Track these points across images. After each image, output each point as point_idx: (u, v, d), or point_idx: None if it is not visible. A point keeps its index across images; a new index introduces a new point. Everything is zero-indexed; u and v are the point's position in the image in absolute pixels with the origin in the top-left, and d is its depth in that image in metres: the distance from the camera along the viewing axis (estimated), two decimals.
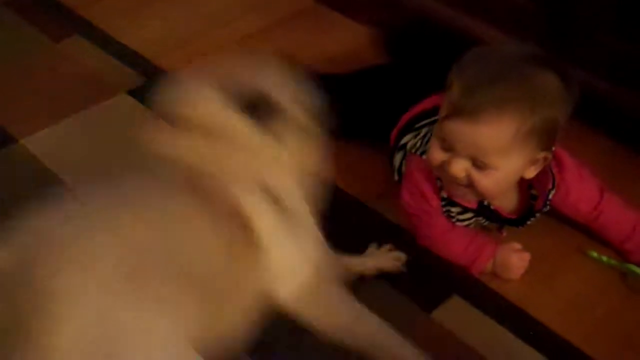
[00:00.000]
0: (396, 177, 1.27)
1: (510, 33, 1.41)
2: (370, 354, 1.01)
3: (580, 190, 1.15)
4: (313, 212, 1.04)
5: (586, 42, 1.32)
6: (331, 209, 1.27)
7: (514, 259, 1.17)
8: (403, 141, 1.25)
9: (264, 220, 0.96)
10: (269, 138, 0.99)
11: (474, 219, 1.18)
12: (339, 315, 1.03)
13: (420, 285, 1.17)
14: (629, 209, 1.20)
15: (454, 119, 1.02)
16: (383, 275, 1.17)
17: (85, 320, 0.79)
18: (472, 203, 1.14)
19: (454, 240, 1.18)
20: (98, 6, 1.81)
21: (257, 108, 0.98)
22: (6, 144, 1.43)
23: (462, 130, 1.02)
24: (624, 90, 1.31)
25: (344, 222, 1.26)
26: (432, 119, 1.21)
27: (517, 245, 1.18)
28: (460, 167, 1.05)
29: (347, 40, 1.69)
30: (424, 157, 1.15)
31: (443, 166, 1.07)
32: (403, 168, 1.23)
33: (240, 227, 0.94)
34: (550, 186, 1.12)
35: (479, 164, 1.04)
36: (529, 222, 1.18)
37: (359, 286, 1.15)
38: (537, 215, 1.16)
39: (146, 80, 1.58)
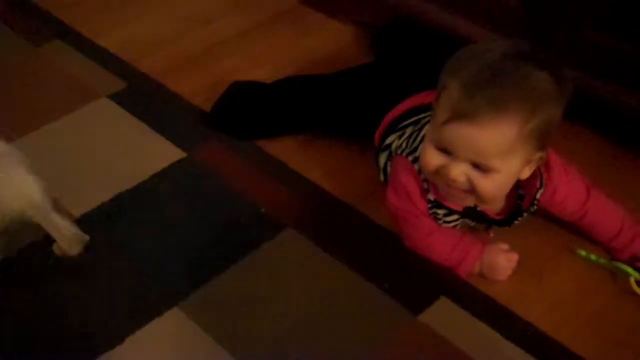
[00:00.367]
0: (382, 178, 1.26)
1: (495, 31, 1.40)
2: None
3: (567, 189, 1.14)
4: None
5: (572, 39, 1.32)
6: (316, 211, 1.28)
7: (501, 260, 1.16)
8: (387, 141, 1.24)
9: None
10: None
11: (460, 220, 1.17)
12: None
13: (407, 287, 1.15)
14: (616, 206, 1.19)
15: (454, 122, 1.00)
16: (369, 277, 1.16)
17: None
18: (458, 205, 1.13)
19: (440, 242, 1.17)
20: (78, 9, 1.79)
21: None
22: None
23: (464, 134, 1.00)
24: (612, 87, 1.31)
25: (329, 224, 1.26)
26: (416, 118, 1.21)
27: (505, 246, 1.17)
28: (460, 171, 1.03)
29: (331, 41, 1.68)
30: (409, 158, 1.14)
31: (440, 171, 1.05)
32: (388, 168, 1.22)
33: None
34: (538, 186, 1.11)
35: (480, 167, 1.02)
36: (516, 222, 1.16)
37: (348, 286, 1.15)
38: (525, 215, 1.15)
39: (127, 83, 1.56)
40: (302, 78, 1.49)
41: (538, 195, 1.12)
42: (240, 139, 1.43)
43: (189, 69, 1.60)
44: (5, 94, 1.56)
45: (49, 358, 1.08)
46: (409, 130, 1.20)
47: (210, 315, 1.12)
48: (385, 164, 1.23)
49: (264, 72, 1.54)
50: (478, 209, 1.14)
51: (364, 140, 1.32)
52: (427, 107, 1.14)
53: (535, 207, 1.15)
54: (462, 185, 1.05)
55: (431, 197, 1.13)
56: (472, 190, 1.05)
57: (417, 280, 1.17)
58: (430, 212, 1.14)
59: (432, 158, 1.05)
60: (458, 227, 1.19)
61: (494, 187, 1.04)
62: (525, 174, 1.07)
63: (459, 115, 0.99)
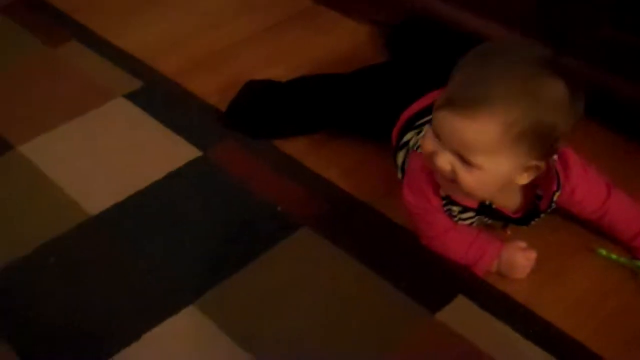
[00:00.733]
0: (400, 176, 1.25)
1: (511, 29, 1.39)
2: None
3: (586, 189, 1.13)
4: None
5: (589, 36, 1.30)
6: (333, 210, 1.28)
7: (519, 258, 1.14)
8: (405, 139, 1.23)
9: None
10: None
11: (476, 218, 1.16)
12: None
13: (424, 286, 1.15)
14: (637, 205, 1.17)
15: (443, 109, 1.00)
16: (386, 276, 1.15)
17: None
18: (472, 202, 1.12)
19: (457, 239, 1.16)
20: (94, 10, 1.80)
21: None
22: (3, 151, 1.42)
23: (450, 123, 0.99)
24: (630, 84, 1.29)
25: (345, 222, 1.25)
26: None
27: (523, 244, 1.15)
28: (445, 160, 1.02)
29: (346, 40, 1.67)
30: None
31: (432, 157, 1.05)
32: (406, 166, 1.21)
33: None
34: (555, 188, 1.10)
35: (465, 160, 1.01)
36: (533, 223, 1.15)
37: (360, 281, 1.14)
38: (542, 215, 1.14)
39: (143, 83, 1.56)
40: (317, 77, 1.48)
41: (555, 198, 1.11)
42: (256, 138, 1.42)
43: (205, 69, 1.60)
44: (23, 94, 1.57)
45: (64, 355, 1.08)
46: (425, 128, 1.19)
47: (226, 313, 1.12)
48: (403, 161, 1.23)
49: (279, 72, 1.54)
50: (494, 206, 1.13)
51: (380, 139, 1.31)
52: None
53: (554, 206, 1.14)
54: (447, 174, 1.04)
55: (442, 192, 1.12)
56: (455, 181, 1.04)
57: (435, 279, 1.16)
58: (445, 208, 1.14)
59: (428, 144, 1.04)
60: (475, 224, 1.18)
61: (476, 182, 1.02)
62: (523, 180, 1.05)
63: (449, 103, 0.99)
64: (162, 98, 1.54)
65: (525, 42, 1.06)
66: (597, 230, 1.19)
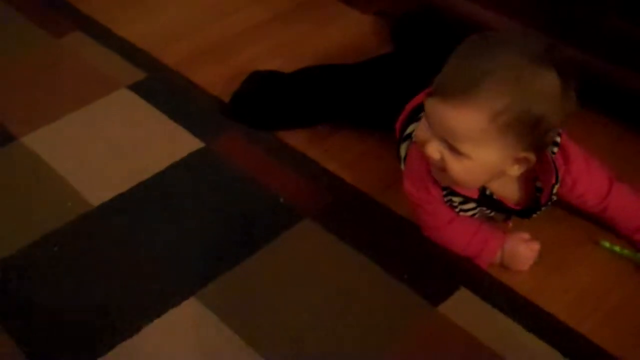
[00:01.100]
0: (402, 167, 1.24)
1: (517, 19, 1.38)
2: None
3: (588, 182, 1.12)
4: None
5: (596, 26, 1.29)
6: (335, 201, 1.27)
7: (522, 250, 1.14)
8: (408, 130, 1.22)
9: None
10: None
11: (478, 209, 1.15)
12: None
13: (427, 278, 1.14)
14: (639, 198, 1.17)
15: (433, 97, 0.99)
16: (388, 268, 1.15)
17: None
18: (473, 192, 1.12)
19: (459, 231, 1.15)
20: (98, 1, 1.80)
21: None
22: (6, 142, 1.42)
23: (437, 110, 0.99)
24: (632, 75, 1.28)
25: (348, 214, 1.25)
26: None
27: (526, 235, 1.15)
28: (435, 148, 1.02)
29: (351, 30, 1.67)
30: None
31: (423, 145, 1.04)
32: (407, 157, 1.21)
33: None
34: (553, 181, 1.09)
35: (453, 149, 1.01)
36: (535, 215, 1.14)
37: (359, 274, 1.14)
38: (543, 208, 1.13)
39: (147, 74, 1.56)
40: (322, 68, 1.48)
41: (555, 191, 1.10)
42: (259, 130, 1.42)
43: (209, 60, 1.60)
44: (27, 85, 1.57)
45: (65, 346, 1.08)
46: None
47: (227, 305, 1.12)
48: (407, 153, 1.22)
49: (283, 62, 1.53)
50: (494, 197, 1.12)
51: (383, 130, 1.31)
52: None
53: (555, 198, 1.13)
54: (437, 163, 1.03)
55: (438, 180, 1.11)
56: (444, 170, 1.03)
57: (437, 271, 1.16)
58: (446, 199, 1.13)
59: (421, 131, 1.04)
60: (476, 216, 1.17)
61: (464, 171, 1.02)
62: (514, 171, 1.04)
63: (438, 91, 0.98)
64: (165, 89, 1.53)
65: (520, 33, 1.05)
66: (600, 222, 1.19)
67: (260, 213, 1.26)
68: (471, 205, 1.14)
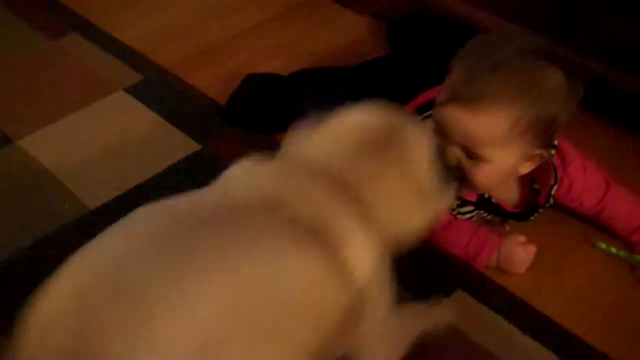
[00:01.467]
0: None
1: (514, 21, 1.38)
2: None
3: (585, 183, 1.13)
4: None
5: (591, 28, 1.30)
6: None
7: (519, 252, 1.14)
8: None
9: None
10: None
11: (475, 212, 1.16)
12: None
13: (424, 280, 1.14)
14: (636, 200, 1.17)
15: (450, 104, 0.99)
16: None
17: None
18: (471, 196, 1.12)
19: (456, 233, 1.16)
20: (95, 3, 1.80)
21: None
22: (3, 145, 1.42)
23: (457, 118, 0.99)
24: (629, 77, 1.29)
25: None
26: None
27: (522, 238, 1.15)
28: (452, 155, 1.02)
29: (347, 32, 1.67)
30: None
31: (437, 152, 1.04)
32: None
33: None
34: (552, 182, 1.09)
35: (472, 155, 1.01)
36: (532, 218, 1.15)
37: None
38: (541, 210, 1.14)
39: (143, 76, 1.56)
40: (318, 70, 1.48)
41: (553, 192, 1.10)
42: (256, 132, 1.42)
43: (205, 62, 1.60)
44: (23, 87, 1.56)
45: None
46: (428, 122, 1.18)
47: None
48: None
49: (279, 64, 1.53)
50: (493, 200, 1.12)
51: None
52: None
53: (552, 202, 1.14)
54: (452, 169, 1.03)
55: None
56: (463, 177, 1.04)
57: (434, 274, 1.16)
58: None
59: None
60: (474, 219, 1.18)
61: (485, 176, 1.03)
62: (525, 169, 1.05)
63: (455, 98, 0.99)
64: (162, 91, 1.53)
65: (518, 31, 1.06)
66: (596, 224, 1.19)
67: None
68: (469, 208, 1.14)
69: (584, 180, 1.12)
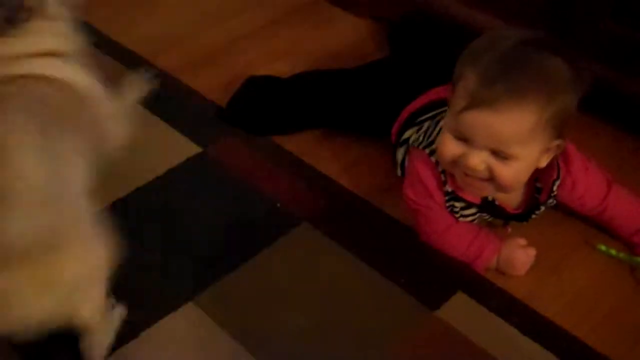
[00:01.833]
0: (399, 172, 1.25)
1: (514, 23, 1.38)
2: None
3: (587, 183, 1.13)
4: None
5: (591, 30, 1.30)
6: (332, 206, 1.28)
7: (519, 255, 1.14)
8: (405, 136, 1.23)
9: None
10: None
11: (477, 215, 1.16)
12: None
13: (424, 283, 1.15)
14: (637, 201, 1.17)
15: (473, 110, 0.99)
16: (385, 272, 1.16)
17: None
18: (475, 198, 1.12)
19: (457, 236, 1.16)
20: (95, 6, 1.79)
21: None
22: None
23: (483, 122, 0.99)
24: (629, 77, 1.29)
25: (345, 219, 1.26)
26: (434, 112, 1.20)
27: (522, 241, 1.16)
28: (479, 160, 1.02)
29: (348, 35, 1.67)
30: (427, 150, 1.13)
31: (458, 160, 1.04)
32: (406, 163, 1.21)
33: None
34: (555, 176, 1.10)
35: (500, 155, 1.01)
36: (533, 217, 1.15)
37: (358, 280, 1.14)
38: (542, 208, 1.14)
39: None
40: (318, 73, 1.48)
41: (555, 187, 1.11)
42: (256, 135, 1.42)
43: (206, 65, 1.60)
44: None
45: (63, 352, 1.08)
46: (426, 124, 1.19)
47: (225, 311, 1.12)
48: (403, 158, 1.23)
49: (280, 67, 1.53)
50: (496, 202, 1.12)
51: (380, 135, 1.31)
52: (444, 102, 1.13)
53: (554, 202, 1.14)
54: (481, 174, 1.04)
55: (449, 188, 1.12)
56: (491, 178, 1.04)
57: (434, 276, 1.16)
58: (448, 204, 1.14)
59: (451, 147, 1.04)
60: (475, 222, 1.18)
61: (514, 174, 1.03)
62: (543, 162, 1.06)
63: (478, 103, 0.99)
64: (163, 94, 1.53)
65: (514, 29, 1.07)
66: (596, 225, 1.20)
67: (258, 218, 1.27)
68: (472, 210, 1.15)
69: (586, 180, 1.13)
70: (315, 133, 1.42)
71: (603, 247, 1.17)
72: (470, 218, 1.16)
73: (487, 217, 1.18)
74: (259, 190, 1.31)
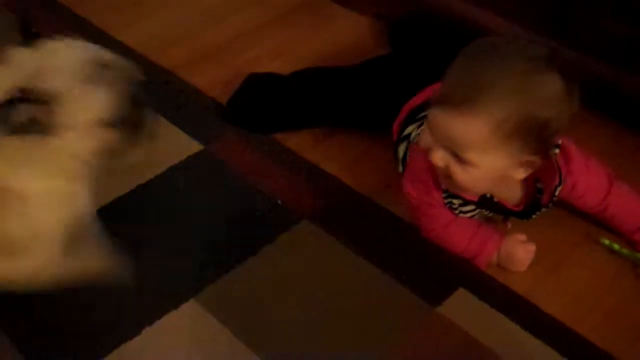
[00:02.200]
0: (400, 169, 1.25)
1: (515, 21, 1.38)
2: None
3: (588, 182, 1.13)
4: None
5: (589, 27, 1.30)
6: (333, 203, 1.27)
7: (519, 251, 1.14)
8: (406, 132, 1.23)
9: None
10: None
11: (477, 211, 1.16)
12: None
13: (425, 279, 1.15)
14: (639, 198, 1.17)
15: (436, 107, 1.00)
16: (386, 269, 1.15)
17: None
18: (473, 195, 1.12)
19: (457, 232, 1.16)
20: (95, 4, 1.80)
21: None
22: None
23: (441, 121, 0.99)
24: (630, 75, 1.29)
25: (345, 216, 1.25)
26: None
27: (523, 237, 1.15)
28: (439, 157, 1.03)
29: (348, 32, 1.67)
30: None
31: (427, 153, 1.05)
32: (407, 159, 1.21)
33: None
34: (557, 182, 1.09)
35: (457, 157, 1.01)
36: (534, 216, 1.15)
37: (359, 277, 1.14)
38: (543, 209, 1.14)
39: (145, 78, 1.56)
40: (319, 70, 1.48)
41: (557, 192, 1.10)
42: (257, 132, 1.42)
43: (207, 63, 1.60)
44: None
45: (65, 349, 1.08)
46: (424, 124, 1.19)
47: (227, 308, 1.12)
48: (404, 155, 1.23)
49: (281, 64, 1.53)
50: (495, 199, 1.12)
51: (381, 132, 1.31)
52: None
53: (555, 200, 1.14)
54: (442, 171, 1.04)
55: (443, 185, 1.12)
56: (449, 177, 1.04)
57: (435, 272, 1.16)
58: (446, 201, 1.13)
59: (424, 138, 1.05)
60: (475, 217, 1.18)
61: (469, 179, 1.03)
62: (520, 174, 1.05)
63: (441, 100, 0.99)
64: (164, 92, 1.54)
65: (522, 39, 1.05)
66: (599, 222, 1.19)
67: (259, 215, 1.27)
68: (471, 207, 1.14)
69: (587, 179, 1.12)
70: (316, 130, 1.42)
71: (606, 242, 1.17)
72: (469, 214, 1.16)
73: (486, 212, 1.18)
74: (260, 188, 1.31)
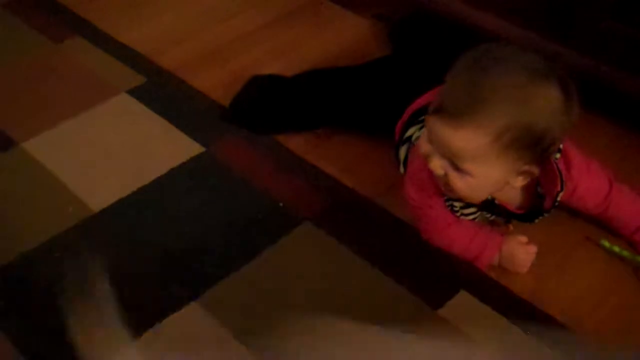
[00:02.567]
0: (402, 170, 1.25)
1: (515, 22, 1.38)
2: None
3: (588, 184, 1.13)
4: None
5: (589, 27, 1.30)
6: (335, 205, 1.28)
7: (520, 253, 1.14)
8: (408, 134, 1.23)
9: None
10: None
11: (479, 213, 1.16)
12: None
13: (427, 281, 1.15)
14: (639, 199, 1.17)
15: (434, 116, 1.00)
16: (388, 271, 1.15)
17: None
18: None
19: (458, 234, 1.16)
20: (97, 6, 1.80)
21: None
22: (7, 148, 1.42)
23: (440, 130, 0.99)
24: (630, 75, 1.29)
25: (347, 218, 1.26)
26: None
27: (524, 238, 1.15)
28: (438, 165, 1.03)
29: (350, 34, 1.67)
30: None
31: (426, 159, 1.05)
32: (408, 161, 1.21)
33: None
34: (559, 188, 1.09)
35: (455, 166, 1.01)
36: (537, 221, 1.15)
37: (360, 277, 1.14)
38: (546, 214, 1.14)
39: (146, 79, 1.57)
40: (320, 72, 1.48)
41: (559, 198, 1.10)
42: (259, 134, 1.42)
43: (208, 64, 1.60)
44: (26, 90, 1.57)
45: (66, 352, 1.08)
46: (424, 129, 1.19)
47: (228, 310, 1.12)
48: (406, 156, 1.23)
49: (282, 66, 1.54)
50: (496, 202, 1.12)
51: (382, 134, 1.31)
52: None
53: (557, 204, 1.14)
54: (441, 178, 1.04)
55: (442, 188, 1.12)
56: (448, 185, 1.04)
57: (437, 274, 1.16)
58: (447, 204, 1.14)
59: (423, 144, 1.04)
60: (477, 220, 1.18)
61: (467, 188, 1.03)
62: (518, 183, 1.05)
63: (439, 110, 0.99)
64: (165, 94, 1.54)
65: (520, 48, 1.04)
66: (599, 224, 1.19)
67: (260, 217, 1.27)
68: (472, 209, 1.15)
69: (587, 182, 1.12)
70: (318, 132, 1.42)
71: (607, 244, 1.17)
72: (471, 217, 1.16)
73: (489, 215, 1.18)
74: (262, 190, 1.31)
